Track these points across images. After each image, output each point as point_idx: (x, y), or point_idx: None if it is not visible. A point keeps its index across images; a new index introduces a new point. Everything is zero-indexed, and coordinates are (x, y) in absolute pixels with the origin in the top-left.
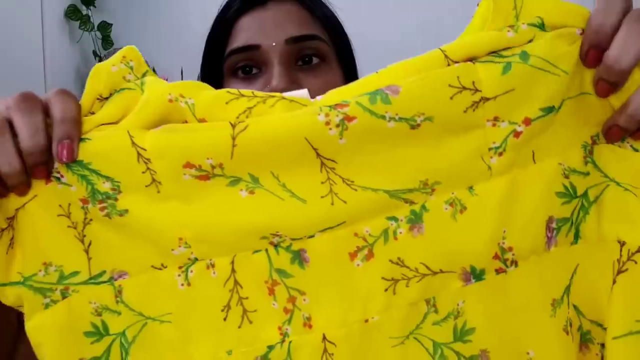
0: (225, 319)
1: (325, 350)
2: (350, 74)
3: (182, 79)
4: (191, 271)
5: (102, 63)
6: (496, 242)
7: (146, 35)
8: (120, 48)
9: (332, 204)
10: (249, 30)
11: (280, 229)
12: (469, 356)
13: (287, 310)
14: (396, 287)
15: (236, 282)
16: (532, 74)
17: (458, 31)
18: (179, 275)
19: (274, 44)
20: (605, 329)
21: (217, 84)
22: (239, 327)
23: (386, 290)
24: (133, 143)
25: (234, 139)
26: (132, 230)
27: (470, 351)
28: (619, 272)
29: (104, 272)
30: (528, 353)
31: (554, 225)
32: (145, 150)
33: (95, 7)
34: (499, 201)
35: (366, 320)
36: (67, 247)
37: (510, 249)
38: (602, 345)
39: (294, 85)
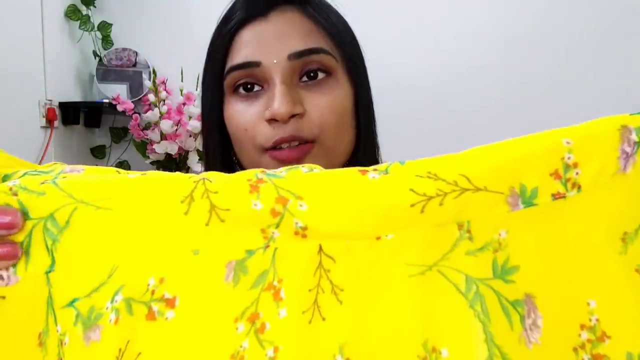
0: (186, 213)
1: (320, 264)
2: (361, 86)
3: (182, 79)
4: None
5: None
6: (560, 153)
7: (146, 35)
8: (121, 48)
9: None
10: (249, 45)
11: None
12: (513, 300)
13: (275, 212)
14: (427, 205)
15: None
16: None
17: (459, 31)
18: None
19: (275, 61)
20: None
21: (218, 99)
22: (207, 224)
23: (413, 205)
24: None
25: None
26: None
27: (513, 294)
28: None
29: None
30: (588, 303)
31: (633, 136)
32: None
33: (95, 7)
34: None
35: (378, 238)
36: None
37: (576, 165)
38: None
39: (297, 106)
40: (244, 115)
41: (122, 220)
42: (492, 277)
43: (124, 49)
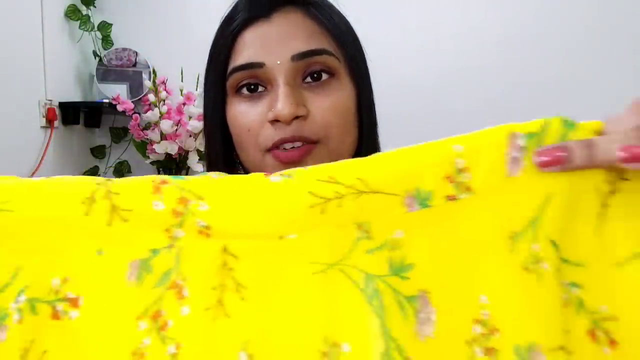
0: (87, 214)
1: (224, 263)
2: (363, 87)
3: (182, 79)
4: None
5: None
6: (450, 158)
7: (146, 35)
8: (121, 48)
9: None
10: (252, 46)
11: None
12: (408, 296)
13: (176, 213)
14: (326, 206)
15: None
16: None
17: (459, 31)
18: None
19: (278, 62)
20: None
21: (221, 100)
22: (108, 224)
23: (312, 207)
24: None
25: None
26: None
27: (408, 290)
28: (610, 193)
29: None
30: (480, 299)
31: (520, 142)
32: None
33: (95, 7)
34: None
35: (281, 237)
36: None
37: (466, 169)
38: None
39: (300, 108)
40: (247, 115)
41: (25, 222)
42: (389, 274)
43: (124, 49)
